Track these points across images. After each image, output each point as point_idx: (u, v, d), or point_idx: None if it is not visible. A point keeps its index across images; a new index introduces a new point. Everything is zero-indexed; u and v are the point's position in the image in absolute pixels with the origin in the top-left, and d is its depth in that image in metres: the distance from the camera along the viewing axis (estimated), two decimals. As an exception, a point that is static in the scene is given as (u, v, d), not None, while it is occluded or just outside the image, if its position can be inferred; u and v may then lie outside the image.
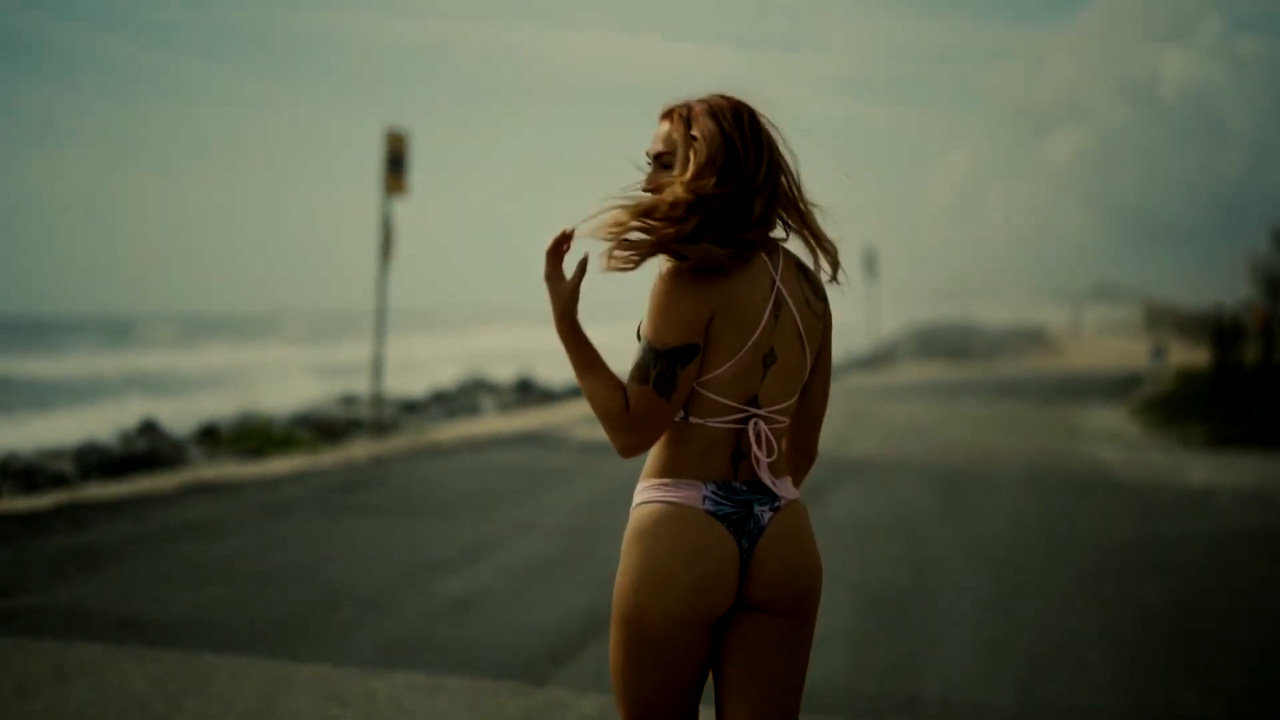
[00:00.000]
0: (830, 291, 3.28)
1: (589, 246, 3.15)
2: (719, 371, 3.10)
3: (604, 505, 11.50)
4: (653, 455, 3.19)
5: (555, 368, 37.89)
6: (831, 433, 18.31)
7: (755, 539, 3.14)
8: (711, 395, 3.11)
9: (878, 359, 43.27)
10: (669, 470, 3.15)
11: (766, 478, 3.15)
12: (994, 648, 7.24)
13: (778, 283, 3.15)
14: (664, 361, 3.06)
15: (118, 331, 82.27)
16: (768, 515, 3.16)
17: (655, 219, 3.07)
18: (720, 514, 3.12)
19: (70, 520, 10.14)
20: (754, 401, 3.14)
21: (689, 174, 3.08)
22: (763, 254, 3.16)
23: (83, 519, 10.21)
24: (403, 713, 5.88)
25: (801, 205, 3.21)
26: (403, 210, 38.54)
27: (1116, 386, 29.41)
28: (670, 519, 3.11)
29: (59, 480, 13.06)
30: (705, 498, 3.12)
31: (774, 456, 3.17)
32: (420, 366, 39.82)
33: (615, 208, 3.10)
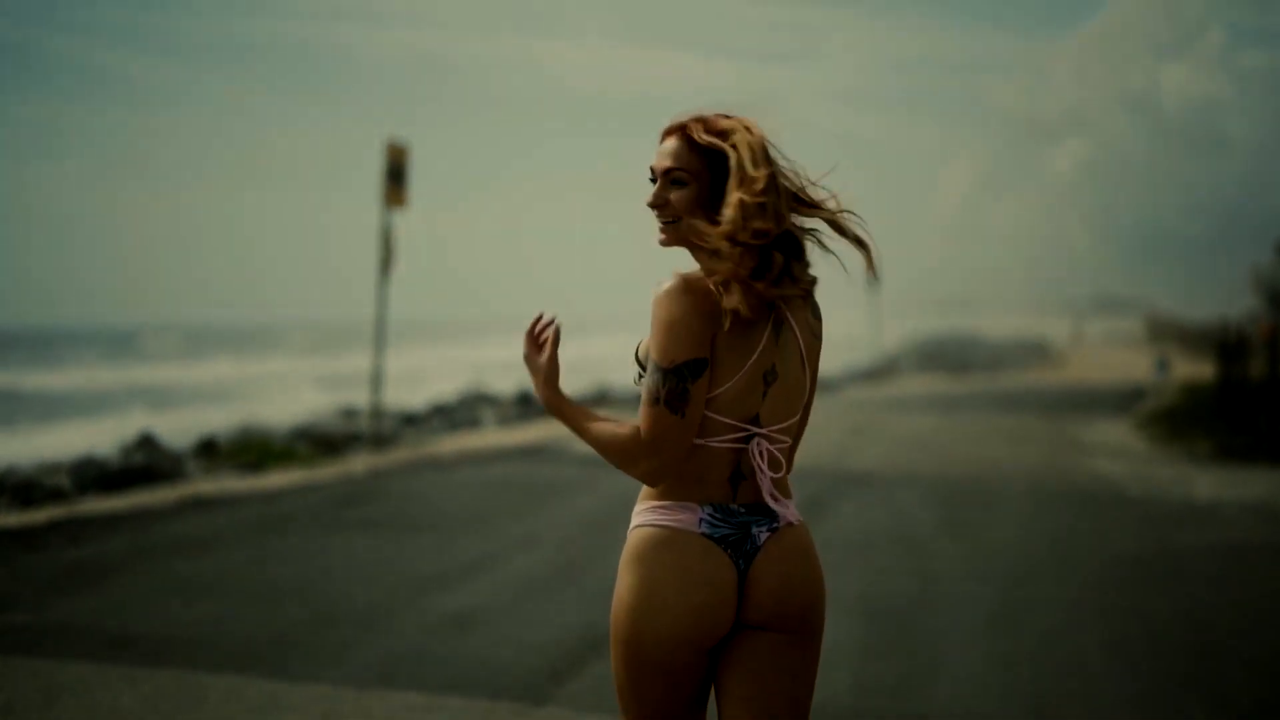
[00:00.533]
0: (827, 303, 3.27)
1: (564, 313, 3.18)
2: (720, 390, 3.08)
3: (605, 520, 11.39)
4: None
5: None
6: (833, 445, 18.21)
7: (751, 559, 3.10)
8: (712, 414, 3.08)
9: (879, 371, 43.16)
10: (666, 491, 3.12)
11: (768, 495, 3.10)
12: (1001, 663, 7.13)
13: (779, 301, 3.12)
14: (673, 379, 3.03)
15: (121, 343, 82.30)
16: (765, 536, 3.12)
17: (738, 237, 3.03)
18: (717, 536, 3.09)
19: (65, 535, 10.03)
20: (755, 420, 3.11)
21: (751, 178, 3.05)
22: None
23: (78, 534, 10.11)
24: (399, 733, 5.77)
25: (824, 213, 3.17)
26: (404, 222, 38.55)
27: (1120, 399, 29.32)
28: (666, 544, 3.08)
29: (56, 495, 12.94)
30: (702, 520, 3.09)
31: (781, 473, 3.13)
32: (421, 378, 39.75)
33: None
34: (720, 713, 3.18)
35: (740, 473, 3.11)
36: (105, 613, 7.66)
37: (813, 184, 3.18)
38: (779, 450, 3.14)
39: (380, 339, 18.44)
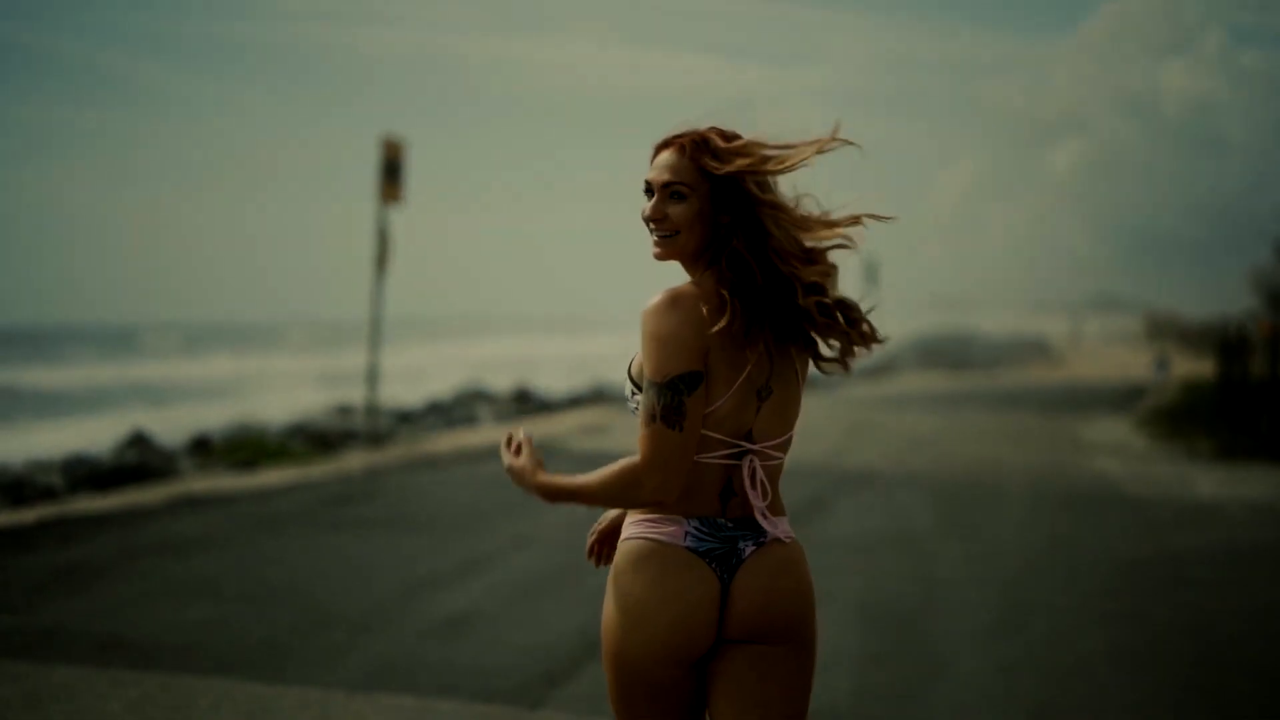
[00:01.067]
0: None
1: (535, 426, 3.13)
2: (713, 407, 3.04)
3: (602, 520, 11.26)
4: None
5: (554, 377, 37.75)
6: (831, 444, 18.10)
7: (735, 572, 3.06)
8: (705, 431, 3.04)
9: (878, 369, 43.06)
10: (655, 505, 3.08)
11: (760, 513, 3.06)
12: (1004, 670, 7.02)
13: None
14: (668, 393, 2.98)
15: (120, 341, 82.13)
16: (750, 549, 3.07)
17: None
18: (701, 550, 3.05)
19: (55, 536, 9.91)
20: (748, 437, 3.07)
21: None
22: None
23: (68, 534, 9.99)
24: (390, 740, 5.66)
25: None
26: (402, 219, 38.40)
27: (1120, 398, 29.24)
28: (650, 557, 3.05)
29: (48, 493, 12.84)
30: (688, 534, 3.06)
31: (768, 499, 3.09)
32: (418, 376, 39.65)
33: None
34: None
35: (731, 489, 3.08)
36: (93, 615, 7.55)
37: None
38: (772, 466, 3.10)
39: (376, 336, 18.33)
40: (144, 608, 7.80)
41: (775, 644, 3.06)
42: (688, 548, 3.04)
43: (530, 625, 7.62)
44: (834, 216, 3.12)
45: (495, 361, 53.95)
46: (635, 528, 3.09)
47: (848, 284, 3.20)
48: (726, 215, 3.07)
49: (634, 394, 3.11)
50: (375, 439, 17.93)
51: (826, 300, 3.07)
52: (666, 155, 3.12)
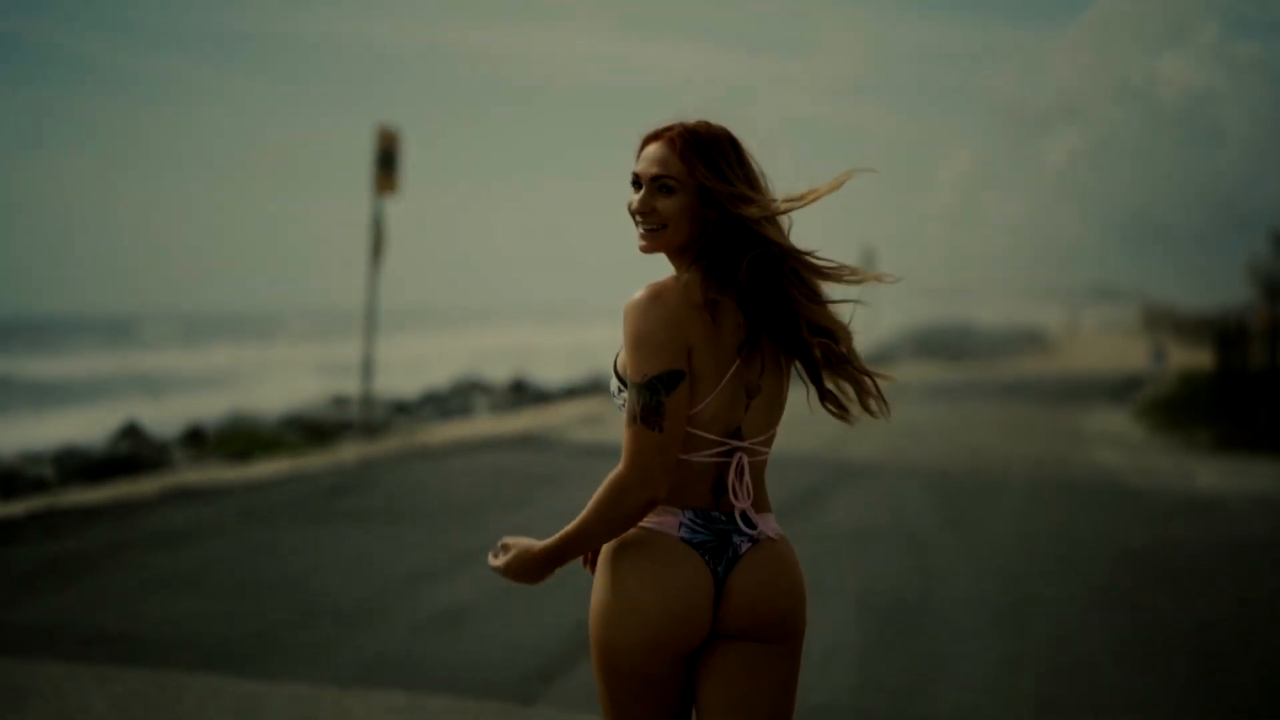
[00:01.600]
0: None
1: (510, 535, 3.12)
2: (701, 405, 2.98)
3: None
4: None
5: (550, 368, 37.64)
6: (828, 435, 18.01)
7: (731, 567, 3.02)
8: (693, 430, 3.01)
9: (874, 360, 42.93)
10: None
11: (748, 508, 3.03)
12: (1006, 664, 6.92)
13: None
14: (646, 393, 2.94)
15: (119, 331, 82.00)
16: (745, 546, 3.03)
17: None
18: (695, 541, 3.01)
19: (44, 528, 9.80)
20: (737, 434, 3.03)
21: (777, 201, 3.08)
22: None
23: (57, 527, 9.87)
24: (380, 737, 5.56)
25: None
26: (398, 210, 38.28)
27: (1117, 388, 29.15)
28: (643, 546, 3.01)
29: (39, 485, 12.73)
30: (681, 525, 3.01)
31: (752, 497, 3.05)
32: (414, 366, 39.51)
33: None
34: None
35: (723, 484, 3.04)
36: (81, 609, 7.44)
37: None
38: (759, 461, 3.07)
39: (371, 326, 18.24)
40: (131, 601, 7.69)
41: (767, 642, 3.04)
42: (681, 538, 3.00)
43: (525, 620, 7.51)
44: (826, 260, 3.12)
45: (492, 351, 53.81)
46: None
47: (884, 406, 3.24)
48: (714, 211, 3.04)
49: (620, 390, 3.06)
50: (370, 430, 17.83)
51: (834, 352, 3.10)
52: (655, 148, 3.08)
